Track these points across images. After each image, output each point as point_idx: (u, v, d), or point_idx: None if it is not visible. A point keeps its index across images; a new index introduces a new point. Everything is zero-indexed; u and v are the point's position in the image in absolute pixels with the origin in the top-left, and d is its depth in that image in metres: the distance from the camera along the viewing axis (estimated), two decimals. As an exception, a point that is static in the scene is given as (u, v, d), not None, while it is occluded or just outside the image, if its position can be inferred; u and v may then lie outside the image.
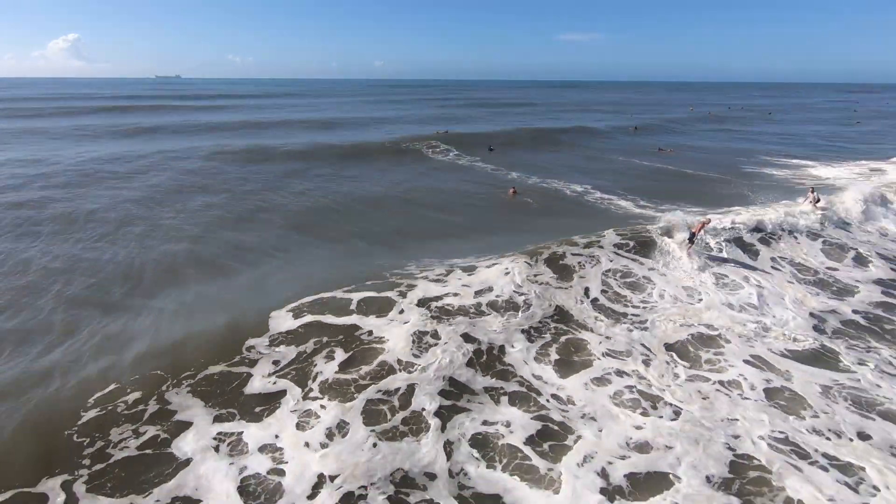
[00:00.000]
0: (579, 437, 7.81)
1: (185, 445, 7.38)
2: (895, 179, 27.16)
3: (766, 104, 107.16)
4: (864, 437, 8.07)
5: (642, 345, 10.33)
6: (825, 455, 7.60)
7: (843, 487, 6.99)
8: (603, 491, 6.82)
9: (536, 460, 7.32)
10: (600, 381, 9.20)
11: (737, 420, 8.25)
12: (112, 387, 8.32)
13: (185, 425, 7.73)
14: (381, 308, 11.00)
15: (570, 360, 9.83)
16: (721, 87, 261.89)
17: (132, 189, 22.51)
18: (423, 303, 11.15)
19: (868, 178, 28.11)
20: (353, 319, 10.53)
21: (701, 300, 12.39)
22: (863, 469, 7.34)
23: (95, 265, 13.66)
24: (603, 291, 12.46)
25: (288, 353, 9.48)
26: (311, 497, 6.57)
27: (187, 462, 7.13)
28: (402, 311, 10.75)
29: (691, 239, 14.61)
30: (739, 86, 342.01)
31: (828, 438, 7.97)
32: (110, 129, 45.24)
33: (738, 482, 7.04)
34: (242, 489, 6.71)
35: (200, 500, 6.59)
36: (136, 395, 8.21)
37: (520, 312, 11.00)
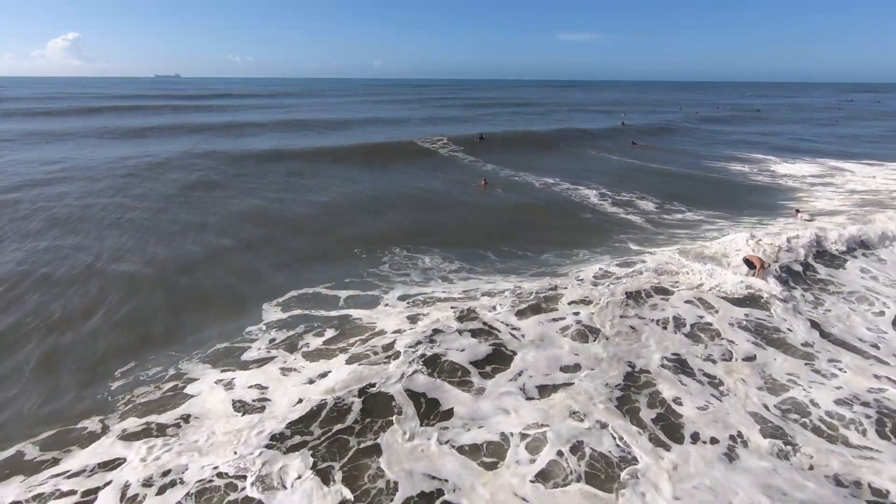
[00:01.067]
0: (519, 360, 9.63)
1: (193, 389, 9.15)
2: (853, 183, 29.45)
3: (760, 103, 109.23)
4: (748, 359, 9.68)
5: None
6: (705, 372, 9.29)
7: (705, 391, 8.79)
8: (516, 394, 8.73)
9: (474, 374, 9.11)
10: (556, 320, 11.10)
11: (649, 345, 10.11)
12: (132, 364, 10.33)
13: (194, 379, 9.49)
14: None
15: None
16: (719, 87, 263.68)
17: (165, 183, 25.02)
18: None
19: (825, 176, 30.73)
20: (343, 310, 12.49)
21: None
22: (725, 381, 9.07)
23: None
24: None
25: (280, 334, 11.20)
26: (293, 412, 8.12)
27: (195, 396, 8.95)
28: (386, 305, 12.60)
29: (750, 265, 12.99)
30: (741, 85, 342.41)
31: (714, 361, 9.63)
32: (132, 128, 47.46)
33: (626, 386, 8.83)
34: (236, 407, 8.49)
35: (205, 416, 8.40)
36: (158, 368, 10.13)
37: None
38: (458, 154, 35.27)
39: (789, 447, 7.26)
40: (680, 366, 9.34)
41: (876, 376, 9.04)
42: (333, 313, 12.12)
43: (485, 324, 10.58)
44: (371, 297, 13.14)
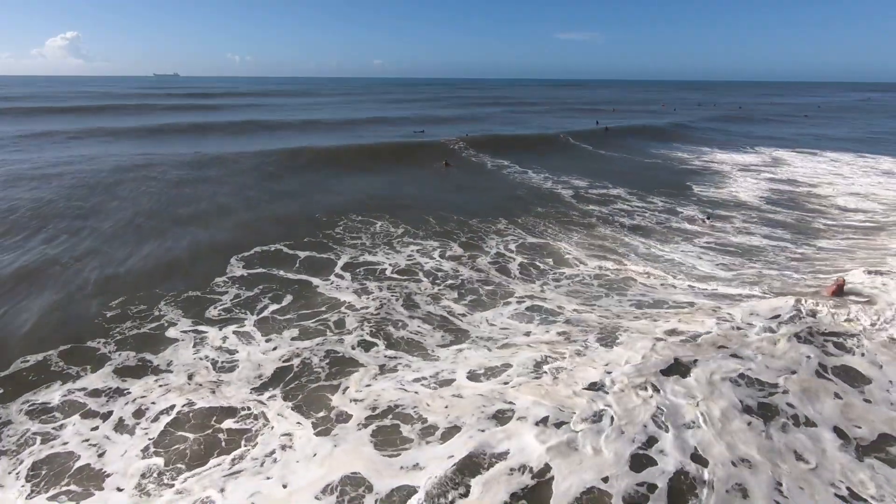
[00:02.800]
0: (467, 335, 11.29)
1: (172, 333, 11.12)
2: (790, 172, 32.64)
3: (746, 101, 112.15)
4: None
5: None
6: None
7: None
8: (451, 345, 10.83)
9: (429, 339, 11.05)
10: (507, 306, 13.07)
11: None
12: (121, 298, 12.44)
13: (173, 324, 11.51)
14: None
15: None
16: (715, 86, 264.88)
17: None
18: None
19: (762, 165, 34.07)
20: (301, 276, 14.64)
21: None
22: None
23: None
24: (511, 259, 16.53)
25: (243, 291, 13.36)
26: (259, 370, 9.83)
27: (175, 341, 10.81)
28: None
29: None
30: (741, 85, 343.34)
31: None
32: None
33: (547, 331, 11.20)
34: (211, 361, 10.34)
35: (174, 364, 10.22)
36: (143, 305, 12.29)
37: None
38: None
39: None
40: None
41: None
42: (291, 275, 14.51)
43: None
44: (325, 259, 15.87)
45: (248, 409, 8.46)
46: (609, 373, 8.25)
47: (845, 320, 9.94)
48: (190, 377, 9.44)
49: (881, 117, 77.99)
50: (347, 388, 8.88)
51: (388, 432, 7.55)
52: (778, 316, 10.21)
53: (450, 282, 14.09)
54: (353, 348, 10.40)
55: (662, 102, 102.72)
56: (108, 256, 15.20)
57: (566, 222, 20.32)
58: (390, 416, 7.90)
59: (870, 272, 12.41)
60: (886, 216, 21.15)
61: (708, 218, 20.97)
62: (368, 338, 10.86)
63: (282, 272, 14.61)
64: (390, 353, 10.25)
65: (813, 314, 10.22)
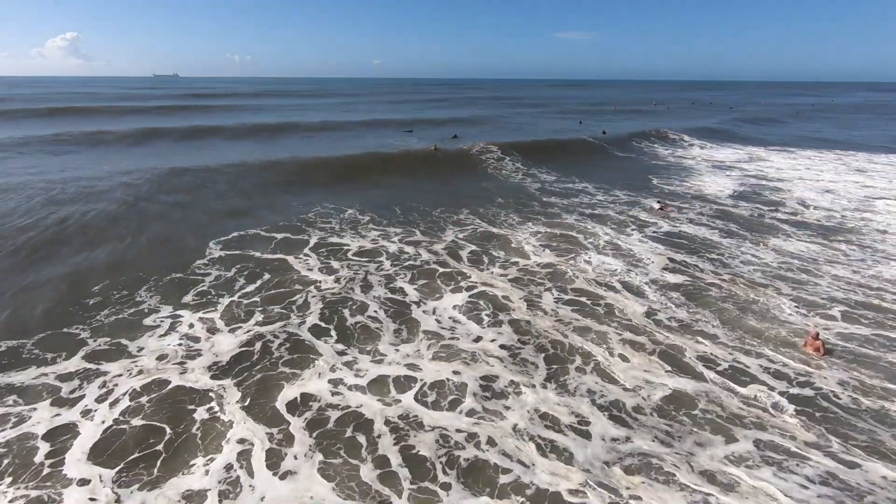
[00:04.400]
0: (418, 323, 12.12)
1: (151, 321, 11.73)
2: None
3: (734, 100, 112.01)
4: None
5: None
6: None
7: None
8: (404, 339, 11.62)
9: (385, 321, 12.05)
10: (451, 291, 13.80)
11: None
12: (107, 281, 13.40)
13: (156, 310, 12.21)
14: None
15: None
16: (710, 86, 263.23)
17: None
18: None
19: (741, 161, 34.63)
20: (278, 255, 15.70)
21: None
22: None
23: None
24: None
25: (223, 273, 14.26)
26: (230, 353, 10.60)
27: (156, 327, 11.48)
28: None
29: None
30: (741, 85, 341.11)
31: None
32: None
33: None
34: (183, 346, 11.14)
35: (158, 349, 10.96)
36: (125, 291, 13.06)
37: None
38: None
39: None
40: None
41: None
42: (267, 256, 15.47)
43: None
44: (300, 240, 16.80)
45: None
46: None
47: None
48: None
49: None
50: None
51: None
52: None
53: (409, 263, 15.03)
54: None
55: (654, 101, 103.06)
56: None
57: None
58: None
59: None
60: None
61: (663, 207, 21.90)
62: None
63: (257, 253, 15.52)
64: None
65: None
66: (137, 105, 66.99)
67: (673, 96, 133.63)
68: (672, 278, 14.29)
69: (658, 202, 22.50)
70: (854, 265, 15.60)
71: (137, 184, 21.37)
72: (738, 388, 9.37)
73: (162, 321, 11.67)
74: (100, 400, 8.89)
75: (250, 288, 13.41)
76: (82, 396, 9.01)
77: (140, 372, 9.69)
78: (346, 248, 16.32)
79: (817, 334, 10.78)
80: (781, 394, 9.22)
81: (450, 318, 12.02)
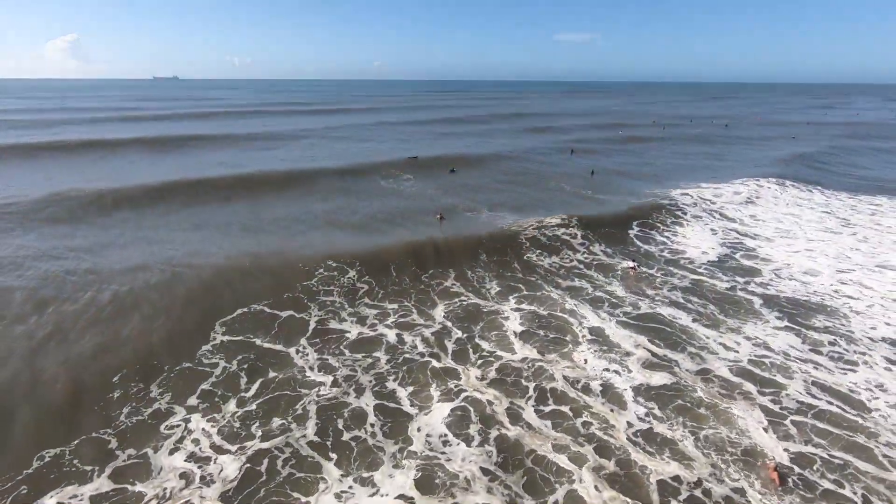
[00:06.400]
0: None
1: (166, 427, 12.81)
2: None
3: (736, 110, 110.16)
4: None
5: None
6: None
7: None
8: None
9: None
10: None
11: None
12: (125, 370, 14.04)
13: (171, 414, 13.19)
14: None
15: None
16: (706, 87, 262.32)
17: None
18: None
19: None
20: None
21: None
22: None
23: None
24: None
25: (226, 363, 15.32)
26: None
27: (171, 436, 12.49)
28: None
29: None
30: (740, 87, 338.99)
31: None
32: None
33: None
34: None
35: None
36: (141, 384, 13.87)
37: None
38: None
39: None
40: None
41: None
42: (266, 345, 16.16)
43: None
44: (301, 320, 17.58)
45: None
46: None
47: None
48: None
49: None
50: None
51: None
52: None
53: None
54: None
55: (653, 118, 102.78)
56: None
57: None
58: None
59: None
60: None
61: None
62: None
63: (258, 340, 16.33)
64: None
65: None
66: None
67: (670, 109, 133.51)
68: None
69: (633, 260, 23.71)
70: None
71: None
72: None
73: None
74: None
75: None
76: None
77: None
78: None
79: (775, 466, 11.64)
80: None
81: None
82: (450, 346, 16.78)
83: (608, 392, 14.53)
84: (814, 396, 14.56)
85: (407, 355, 16.15)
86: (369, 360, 15.80)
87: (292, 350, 16.19)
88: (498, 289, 21.11)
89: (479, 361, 16.00)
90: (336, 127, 75.63)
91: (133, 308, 17.48)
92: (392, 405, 13.84)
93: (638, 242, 27.32)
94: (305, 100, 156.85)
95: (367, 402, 13.92)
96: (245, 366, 15.18)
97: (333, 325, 17.74)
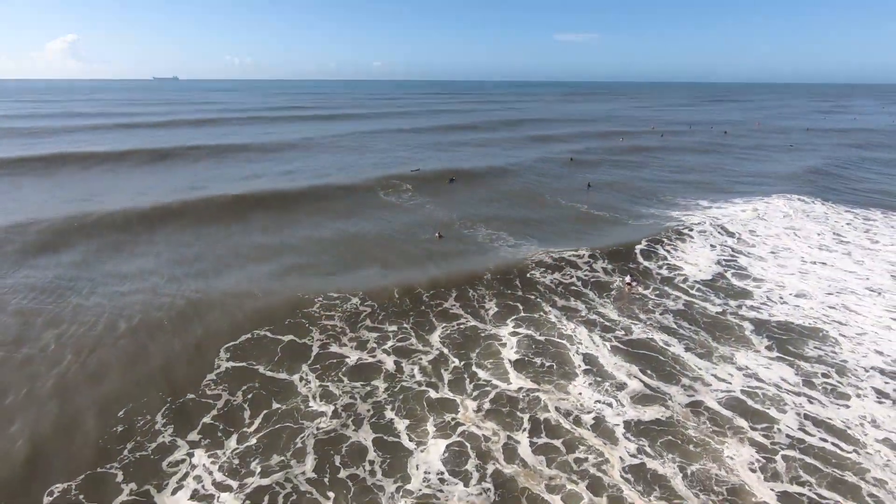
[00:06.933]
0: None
1: (170, 461, 13.19)
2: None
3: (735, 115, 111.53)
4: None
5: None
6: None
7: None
8: None
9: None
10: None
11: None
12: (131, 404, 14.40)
13: (175, 448, 13.57)
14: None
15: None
16: (703, 87, 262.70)
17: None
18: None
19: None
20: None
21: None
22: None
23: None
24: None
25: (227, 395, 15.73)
26: None
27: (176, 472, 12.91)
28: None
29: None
30: (740, 87, 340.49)
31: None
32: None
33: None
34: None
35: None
36: (148, 416, 14.23)
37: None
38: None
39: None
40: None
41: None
42: (269, 373, 16.59)
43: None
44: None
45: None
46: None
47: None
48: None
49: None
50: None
51: None
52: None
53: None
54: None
55: (653, 125, 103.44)
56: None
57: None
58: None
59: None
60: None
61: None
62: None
63: (261, 367, 16.66)
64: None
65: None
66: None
67: (669, 114, 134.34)
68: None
69: (630, 275, 24.28)
70: None
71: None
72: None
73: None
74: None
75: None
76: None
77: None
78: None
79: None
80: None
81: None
82: (446, 375, 16.98)
83: (600, 426, 14.72)
84: (806, 432, 14.75)
85: (405, 384, 16.38)
86: (368, 389, 16.05)
87: (296, 377, 16.45)
88: (496, 309, 21.29)
89: (476, 392, 16.21)
90: (341, 135, 76.60)
91: (138, 336, 17.77)
92: (390, 439, 14.07)
93: (640, 259, 27.58)
94: (306, 103, 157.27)
95: (366, 435, 14.14)
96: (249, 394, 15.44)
97: (334, 349, 18.03)
